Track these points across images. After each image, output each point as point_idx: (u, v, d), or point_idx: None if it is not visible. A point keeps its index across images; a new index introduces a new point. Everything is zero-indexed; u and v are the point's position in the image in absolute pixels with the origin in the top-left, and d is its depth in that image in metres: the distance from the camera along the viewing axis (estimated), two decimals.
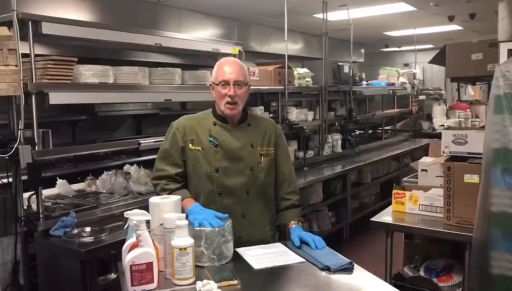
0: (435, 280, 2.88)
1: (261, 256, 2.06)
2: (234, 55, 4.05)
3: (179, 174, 2.26)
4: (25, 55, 2.68)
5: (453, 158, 2.81)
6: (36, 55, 2.74)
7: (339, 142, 5.93)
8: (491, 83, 4.16)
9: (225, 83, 2.18)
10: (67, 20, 3.00)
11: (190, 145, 2.23)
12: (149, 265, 1.76)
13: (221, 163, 2.21)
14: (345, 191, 5.35)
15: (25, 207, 2.80)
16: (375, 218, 2.91)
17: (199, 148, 2.23)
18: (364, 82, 6.71)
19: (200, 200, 2.21)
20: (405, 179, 3.66)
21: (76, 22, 3.05)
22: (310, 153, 5.41)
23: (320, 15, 5.71)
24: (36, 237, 2.77)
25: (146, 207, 1.95)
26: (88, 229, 2.84)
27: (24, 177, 2.76)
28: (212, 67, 4.37)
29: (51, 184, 3.44)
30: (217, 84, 2.21)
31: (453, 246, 3.03)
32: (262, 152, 2.28)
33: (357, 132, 7.34)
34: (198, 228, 1.93)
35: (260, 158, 2.27)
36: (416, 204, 2.92)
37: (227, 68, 2.21)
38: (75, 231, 2.79)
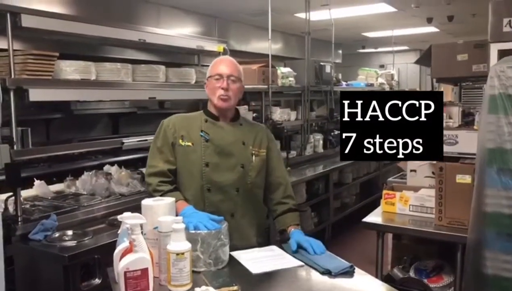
0: (425, 280, 2.86)
1: (257, 260, 1.99)
2: (219, 53, 3.98)
3: (171, 170, 2.21)
4: (2, 50, 2.54)
5: (444, 158, 2.80)
6: (15, 50, 2.60)
7: (321, 142, 5.93)
8: (465, 85, 4.22)
9: (219, 76, 2.20)
10: (49, 13, 2.86)
11: (180, 141, 2.20)
12: (144, 271, 1.66)
13: (211, 158, 2.18)
14: (328, 191, 5.33)
15: (2, 210, 2.64)
16: (366, 219, 2.88)
17: (189, 143, 2.20)
18: (344, 83, 6.73)
19: (189, 196, 2.17)
20: (391, 179, 3.65)
21: (59, 16, 2.93)
22: (293, 153, 5.38)
23: (301, 15, 5.68)
24: (14, 242, 2.63)
25: (129, 209, 1.89)
26: (70, 232, 2.71)
27: (1, 177, 2.62)
28: (196, 65, 4.32)
29: (26, 184, 3.28)
30: (211, 77, 2.22)
31: (441, 246, 3.03)
32: (254, 152, 2.26)
33: (336, 132, 7.35)
34: (194, 232, 1.85)
35: (251, 156, 2.24)
36: (407, 204, 2.91)
37: (222, 63, 2.25)
38: (56, 235, 2.65)
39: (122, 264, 1.65)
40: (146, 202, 1.90)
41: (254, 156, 2.25)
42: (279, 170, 2.36)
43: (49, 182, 3.53)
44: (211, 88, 2.22)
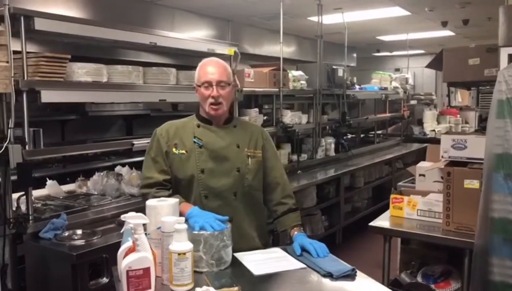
0: (433, 286, 2.84)
1: (260, 262, 2.00)
2: (230, 56, 4.00)
3: (167, 180, 2.20)
4: (16, 52, 2.59)
5: (453, 163, 2.78)
6: (28, 52, 2.66)
7: (332, 146, 5.90)
8: (482, 89, 4.17)
9: (208, 84, 2.15)
10: (61, 17, 2.91)
11: (174, 149, 2.18)
12: (146, 271, 1.69)
13: (206, 164, 2.16)
14: (338, 195, 5.32)
15: (14, 208, 2.71)
16: (373, 223, 2.87)
17: (183, 151, 2.18)
18: (357, 86, 6.70)
19: None
20: (401, 183, 3.62)
21: (71, 19, 2.97)
22: (304, 156, 5.37)
23: (314, 18, 5.68)
24: (25, 240, 2.69)
25: (139, 209, 1.89)
26: (79, 231, 2.76)
27: (13, 177, 2.68)
28: None
29: (40, 184, 3.35)
30: (200, 86, 2.17)
31: (450, 252, 3.00)
32: (249, 153, 2.23)
33: (349, 136, 7.33)
34: (196, 232, 1.86)
35: (247, 159, 2.21)
36: (414, 209, 2.89)
37: (209, 69, 2.17)
38: (66, 234, 2.71)
39: (124, 263, 1.68)
40: (150, 202, 1.92)
41: (250, 158, 2.22)
42: (276, 170, 2.32)
43: (63, 182, 3.60)
44: (201, 97, 2.19)
